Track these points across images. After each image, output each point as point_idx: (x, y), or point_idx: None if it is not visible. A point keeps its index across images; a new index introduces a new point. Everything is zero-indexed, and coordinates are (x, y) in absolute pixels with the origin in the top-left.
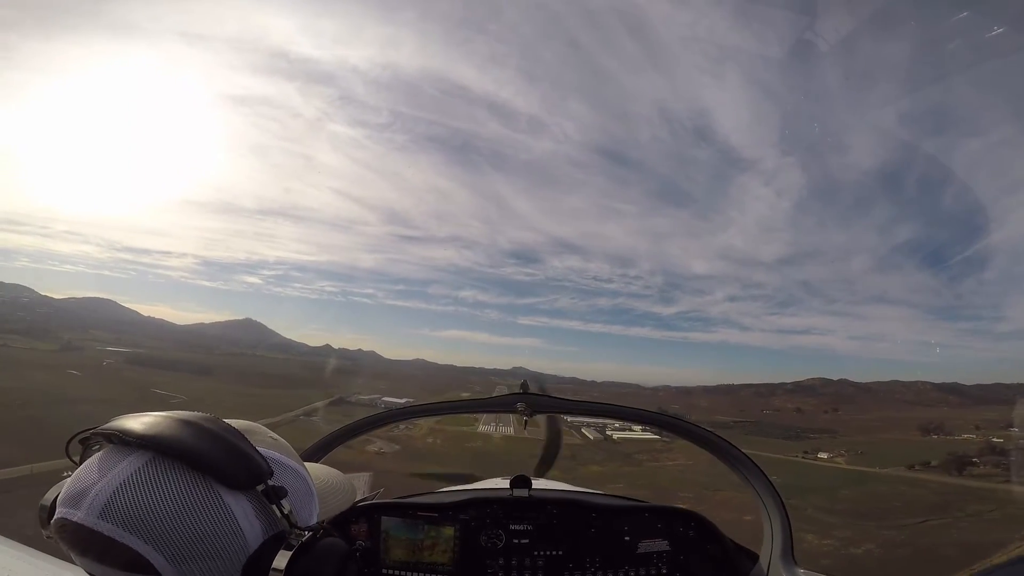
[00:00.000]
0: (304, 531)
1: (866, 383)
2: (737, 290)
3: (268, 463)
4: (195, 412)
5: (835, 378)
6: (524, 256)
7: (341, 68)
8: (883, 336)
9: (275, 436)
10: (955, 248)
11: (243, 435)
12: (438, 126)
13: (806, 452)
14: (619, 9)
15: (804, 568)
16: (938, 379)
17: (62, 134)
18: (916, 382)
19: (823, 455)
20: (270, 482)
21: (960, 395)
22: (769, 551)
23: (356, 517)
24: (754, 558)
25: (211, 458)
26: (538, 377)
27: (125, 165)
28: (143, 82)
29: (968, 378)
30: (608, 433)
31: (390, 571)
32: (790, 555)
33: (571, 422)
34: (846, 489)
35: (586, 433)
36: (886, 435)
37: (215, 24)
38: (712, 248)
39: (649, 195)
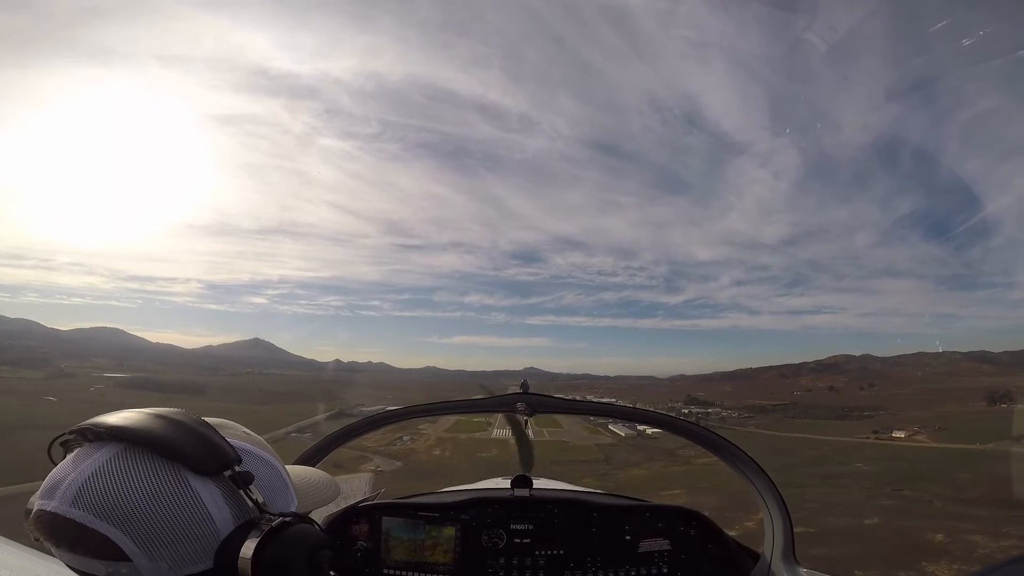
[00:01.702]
0: (275, 517)
1: (892, 357)
2: (743, 274)
3: (237, 452)
4: (169, 408)
5: (858, 354)
6: (526, 256)
7: (324, 81)
8: (895, 310)
9: (248, 432)
10: (959, 217)
11: (212, 427)
12: (428, 132)
13: (876, 432)
14: (598, 2)
15: (806, 567)
16: (963, 349)
17: (54, 165)
18: (944, 352)
19: (899, 434)
20: (238, 469)
21: (993, 363)
22: (771, 550)
23: (357, 517)
24: (756, 557)
25: (179, 446)
26: (548, 376)
27: (121, 192)
28: (127, 108)
29: (988, 347)
30: (640, 427)
31: (391, 571)
32: (791, 554)
33: (596, 420)
34: (962, 472)
35: (615, 430)
36: (947, 408)
37: (192, 45)
38: (714, 234)
39: (646, 185)
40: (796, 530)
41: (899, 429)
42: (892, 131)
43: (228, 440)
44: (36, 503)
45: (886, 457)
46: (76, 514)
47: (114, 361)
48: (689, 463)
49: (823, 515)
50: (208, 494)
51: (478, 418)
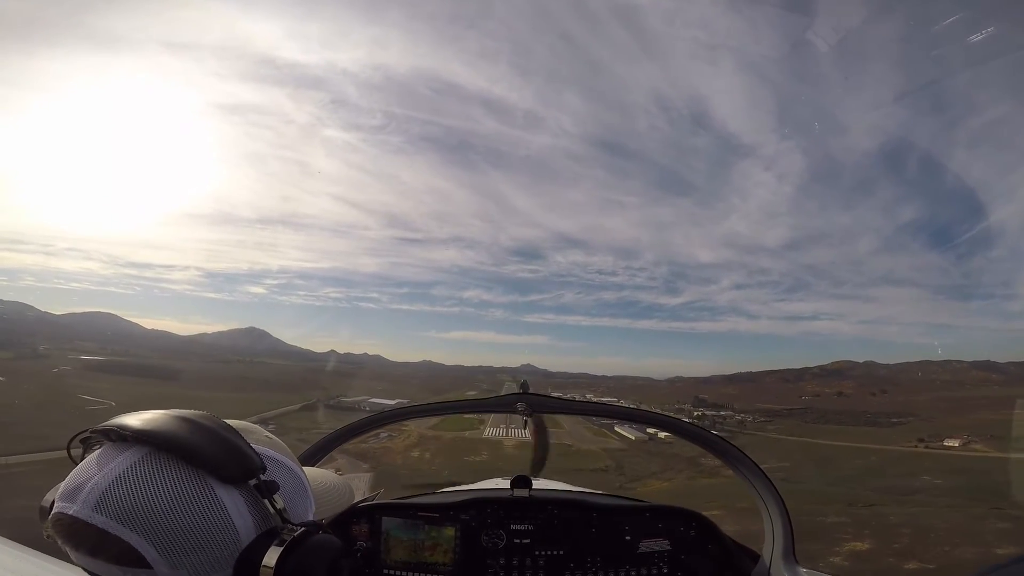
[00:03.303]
0: (297, 527)
1: (896, 364)
2: (743, 277)
3: (262, 459)
4: (193, 410)
5: (861, 360)
6: (527, 253)
7: (330, 71)
8: (891, 318)
9: (271, 435)
10: (962, 226)
11: (238, 432)
12: (433, 126)
13: (922, 440)
14: None
15: (806, 567)
16: (958, 358)
17: (56, 150)
18: (948, 361)
19: (951, 442)
20: (263, 477)
21: (999, 372)
22: (771, 550)
23: (357, 517)
24: (755, 557)
25: (205, 452)
26: (545, 374)
27: (122, 179)
28: (132, 95)
29: (988, 357)
30: (650, 430)
31: (391, 571)
32: (791, 554)
33: (603, 422)
34: None
35: (623, 432)
36: (982, 416)
37: (200, 33)
38: (716, 236)
39: (650, 185)
40: (909, 566)
41: (949, 438)
42: (899, 137)
43: (253, 446)
44: (56, 505)
45: (954, 469)
46: (99, 519)
47: (98, 345)
48: (717, 475)
49: (932, 543)
50: (232, 502)
51: (469, 414)
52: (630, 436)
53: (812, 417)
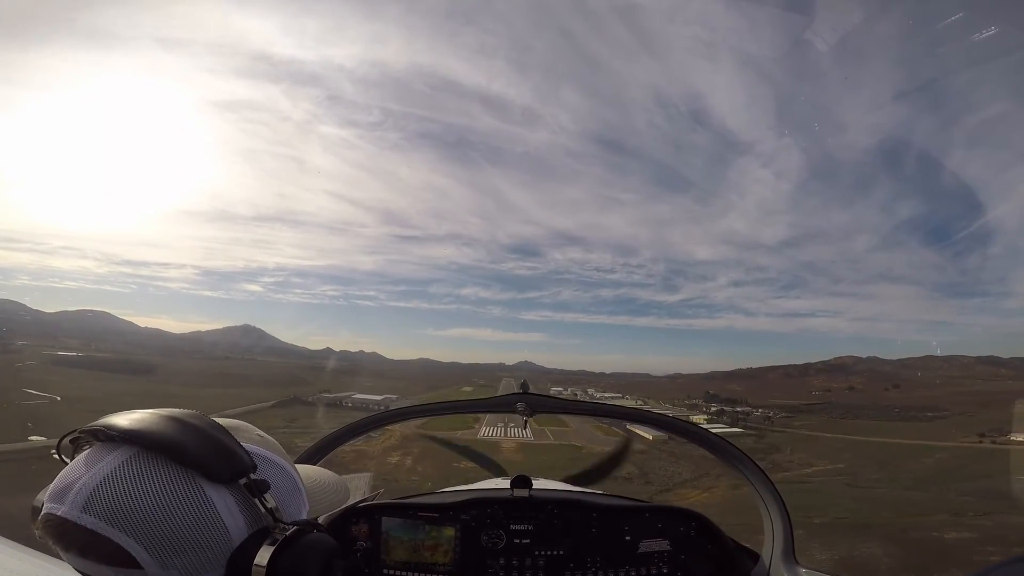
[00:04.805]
0: (289, 526)
1: (899, 359)
2: (741, 275)
3: (252, 458)
4: (183, 409)
5: (864, 356)
6: (525, 250)
7: (327, 68)
8: (888, 315)
9: (263, 434)
10: (959, 224)
11: (228, 431)
12: (431, 122)
13: (983, 435)
14: None
15: (806, 567)
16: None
17: (50, 148)
18: (954, 356)
19: (1019, 437)
20: (253, 476)
21: (1007, 367)
22: (771, 550)
23: (356, 517)
24: (755, 557)
25: (193, 452)
26: (543, 371)
27: (117, 177)
28: (126, 92)
29: (992, 353)
30: None
31: (391, 571)
32: (791, 554)
33: (602, 420)
34: None
35: (638, 431)
36: (1016, 409)
37: (193, 29)
38: (714, 233)
39: (648, 182)
40: None
41: (1015, 432)
42: (897, 135)
43: (243, 445)
44: (45, 506)
45: None
46: (87, 520)
47: (82, 342)
48: None
49: None
50: (222, 502)
51: (467, 414)
52: (647, 435)
53: (837, 412)
